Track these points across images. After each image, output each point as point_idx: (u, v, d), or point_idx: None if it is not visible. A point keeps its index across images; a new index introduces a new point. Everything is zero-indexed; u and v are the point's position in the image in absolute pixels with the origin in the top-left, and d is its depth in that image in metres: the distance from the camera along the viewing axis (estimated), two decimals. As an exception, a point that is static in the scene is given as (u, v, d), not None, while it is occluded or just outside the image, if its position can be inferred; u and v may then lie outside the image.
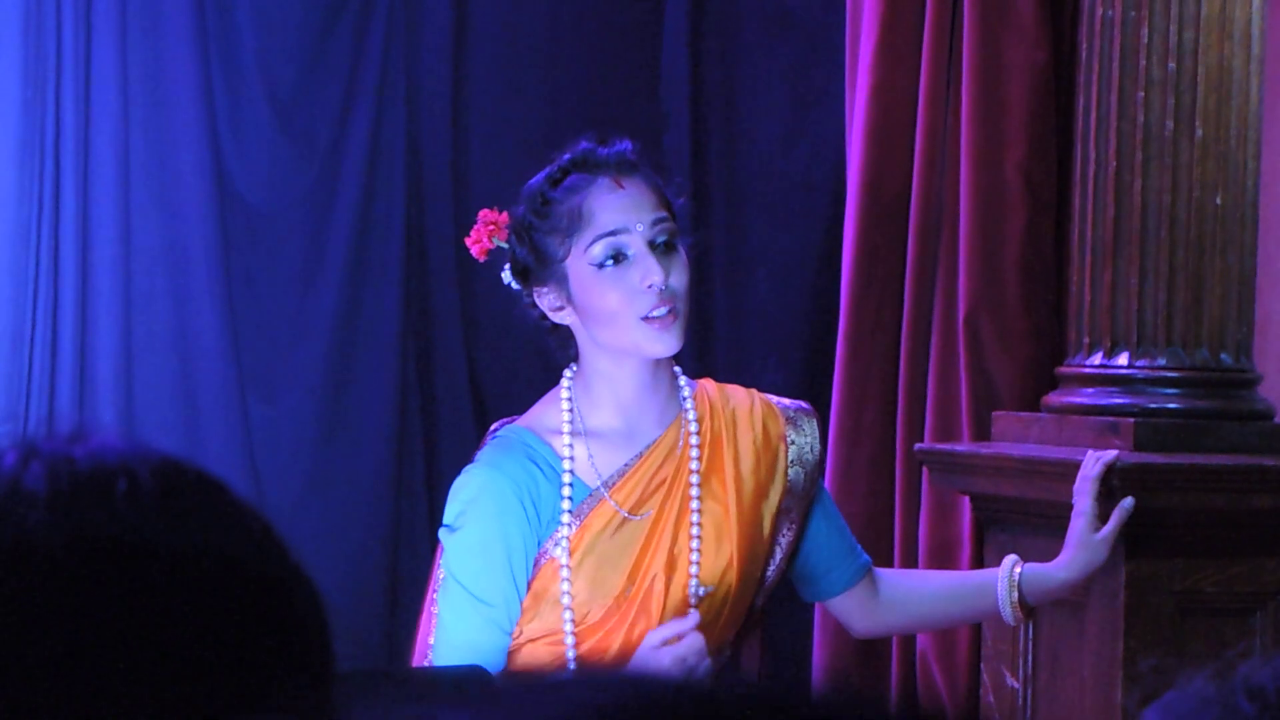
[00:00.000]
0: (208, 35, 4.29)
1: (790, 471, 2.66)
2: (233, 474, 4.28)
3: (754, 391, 2.70)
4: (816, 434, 2.69)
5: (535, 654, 2.60)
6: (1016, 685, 3.10)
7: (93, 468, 0.85)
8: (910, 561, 3.60)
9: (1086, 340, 3.12)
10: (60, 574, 0.81)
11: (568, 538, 2.56)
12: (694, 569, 2.58)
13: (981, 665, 3.23)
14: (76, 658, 0.80)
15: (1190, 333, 3.06)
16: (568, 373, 2.63)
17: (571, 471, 2.58)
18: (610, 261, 2.53)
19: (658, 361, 2.59)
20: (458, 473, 2.63)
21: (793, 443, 2.66)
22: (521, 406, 2.70)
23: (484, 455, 2.61)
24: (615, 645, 2.58)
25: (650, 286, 2.52)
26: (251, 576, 0.85)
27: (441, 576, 2.60)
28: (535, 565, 2.57)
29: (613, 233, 2.53)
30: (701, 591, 2.58)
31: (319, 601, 0.88)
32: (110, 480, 0.84)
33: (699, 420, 2.63)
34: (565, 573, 2.56)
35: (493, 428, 2.68)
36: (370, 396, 4.43)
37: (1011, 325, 3.52)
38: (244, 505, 0.88)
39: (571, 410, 2.60)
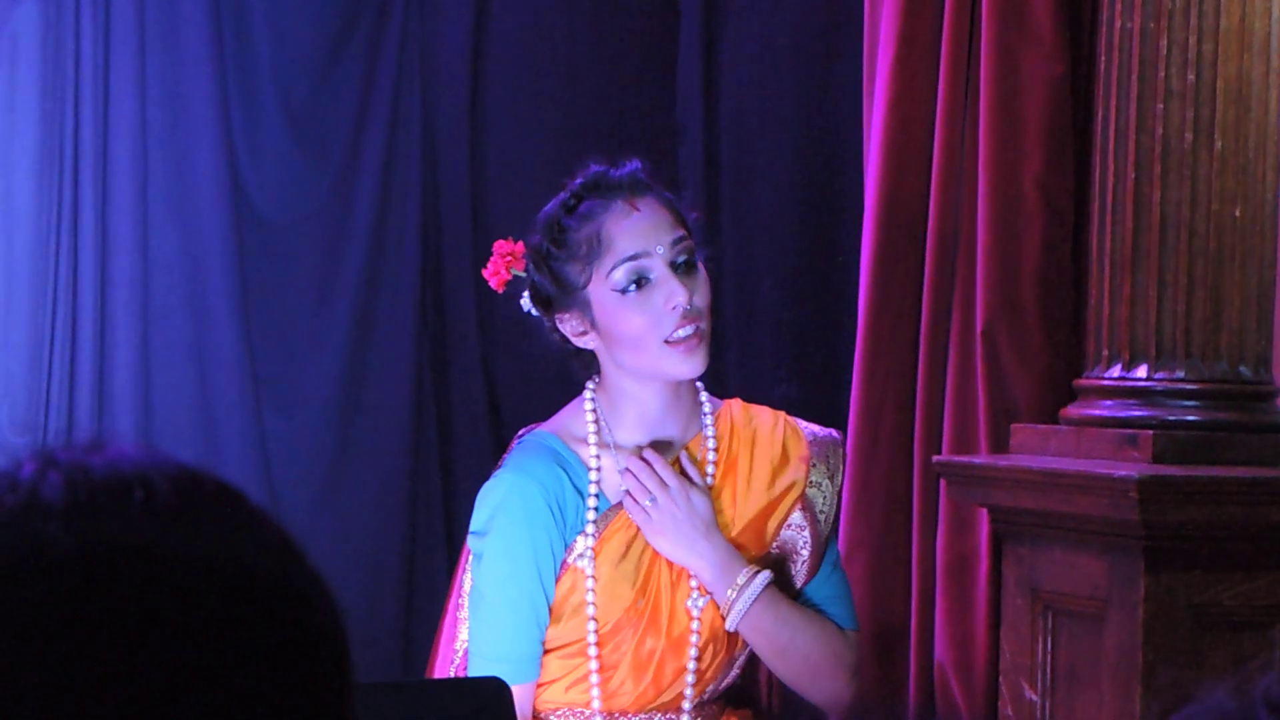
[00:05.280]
0: (224, 49, 4.30)
1: (809, 491, 2.67)
2: (248, 486, 4.25)
3: (782, 414, 2.71)
4: (841, 461, 2.70)
5: (548, 668, 2.60)
6: (1035, 698, 3.09)
7: (109, 477, 0.84)
8: (928, 574, 3.59)
9: (1105, 352, 3.11)
10: (77, 584, 0.81)
11: (592, 547, 2.57)
12: (694, 581, 2.59)
13: (1000, 678, 3.22)
14: (93, 668, 0.80)
15: (1209, 345, 3.05)
16: (590, 384, 2.64)
17: (599, 482, 2.59)
18: (633, 286, 2.54)
19: (685, 380, 2.60)
20: (473, 485, 2.64)
21: (815, 466, 2.67)
22: (539, 418, 2.70)
23: (511, 460, 2.62)
24: (627, 658, 2.59)
25: (675, 308, 2.52)
26: (269, 587, 0.85)
27: (470, 584, 2.61)
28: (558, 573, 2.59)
29: (634, 257, 2.54)
30: (702, 602, 2.59)
31: (338, 612, 0.87)
32: (127, 490, 0.84)
33: (717, 439, 2.64)
34: (590, 583, 2.57)
35: (520, 433, 2.69)
36: (385, 409, 4.43)
37: (1029, 337, 3.51)
38: (262, 515, 0.87)
39: (597, 422, 2.61)
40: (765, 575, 2.59)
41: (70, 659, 0.80)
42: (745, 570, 2.58)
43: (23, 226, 4.18)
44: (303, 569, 0.87)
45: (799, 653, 2.62)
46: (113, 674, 0.80)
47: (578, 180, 2.62)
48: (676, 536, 2.56)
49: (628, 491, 2.57)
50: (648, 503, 2.55)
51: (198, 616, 0.82)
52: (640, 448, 2.61)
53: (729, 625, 2.59)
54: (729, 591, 2.57)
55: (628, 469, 2.57)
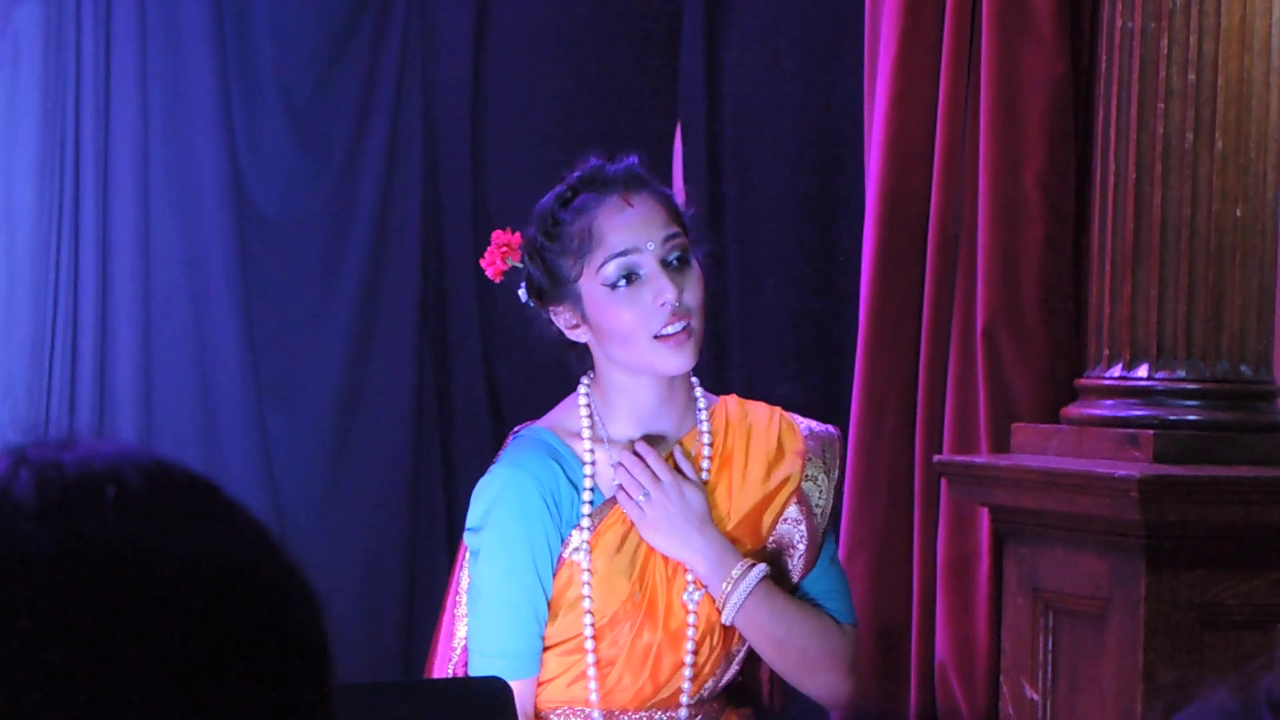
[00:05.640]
0: (225, 48, 4.30)
1: (804, 485, 2.67)
2: (250, 485, 4.29)
3: (778, 409, 2.71)
4: (838, 457, 2.70)
5: (547, 666, 2.60)
6: (1036, 698, 3.10)
7: (81, 474, 0.84)
8: (929, 573, 3.59)
9: (1106, 352, 3.11)
10: (52, 583, 0.81)
11: (588, 541, 2.58)
12: (690, 575, 2.60)
13: (1001, 677, 3.22)
14: (69, 667, 0.80)
15: (1210, 344, 3.05)
16: (585, 380, 2.64)
17: (593, 476, 2.59)
18: (623, 281, 2.55)
19: (675, 376, 2.60)
20: (475, 484, 2.64)
21: (810, 460, 2.67)
22: (540, 415, 2.70)
23: (506, 455, 2.62)
24: (624, 652, 2.59)
25: (663, 305, 2.53)
26: (246, 578, 0.84)
27: (467, 581, 2.61)
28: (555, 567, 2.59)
29: (624, 252, 2.55)
30: (698, 596, 2.60)
31: (315, 600, 0.87)
32: (99, 486, 0.84)
33: (712, 434, 2.64)
34: (586, 576, 2.57)
35: (514, 430, 2.70)
36: (387, 407, 4.43)
37: (1030, 337, 3.51)
38: (236, 506, 0.87)
39: (591, 416, 2.62)
40: (760, 569, 2.59)
41: (49, 657, 0.79)
42: (741, 564, 2.58)
43: (24, 226, 4.18)
44: (279, 559, 0.86)
45: (796, 647, 2.62)
46: (92, 670, 0.80)
47: (575, 174, 2.63)
48: (671, 531, 2.56)
49: (621, 486, 2.57)
50: (641, 498, 2.55)
51: (175, 610, 0.81)
52: (633, 442, 2.61)
53: (725, 619, 2.59)
54: (724, 585, 2.57)
55: (621, 464, 2.57)
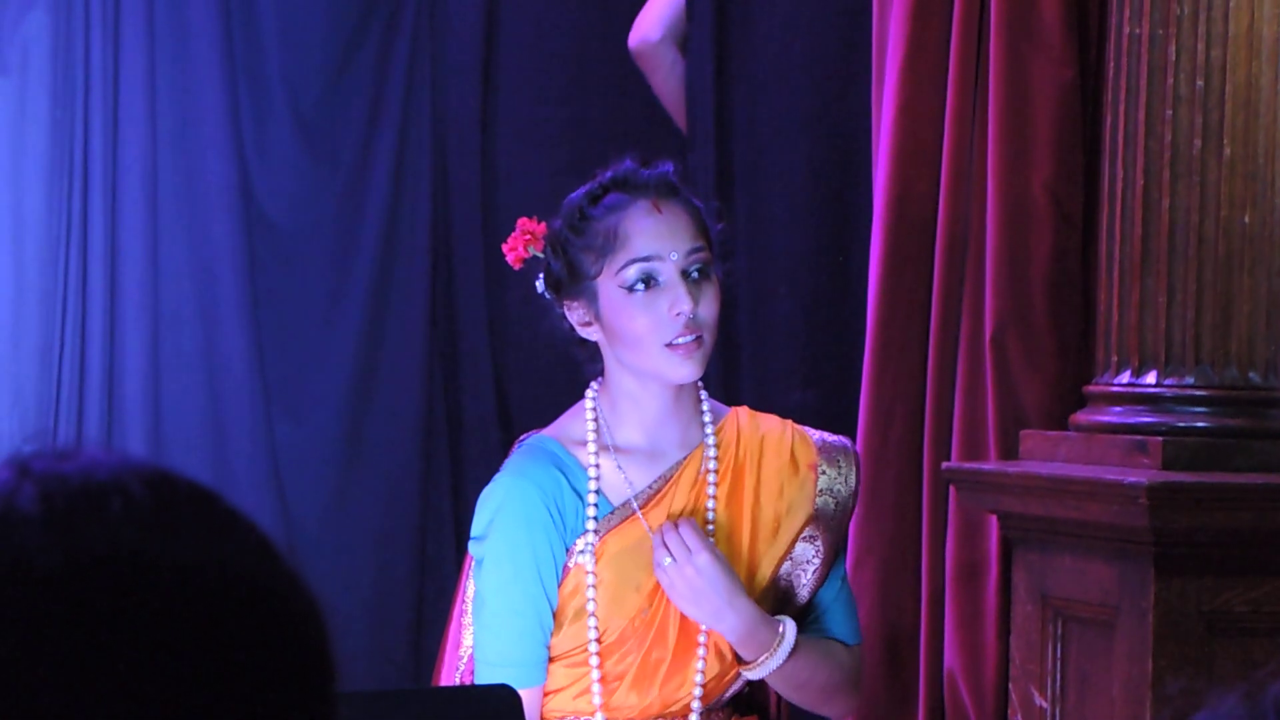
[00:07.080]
0: (234, 56, 4.31)
1: (819, 500, 2.66)
2: (258, 493, 4.30)
3: (789, 421, 2.70)
4: (853, 471, 2.68)
5: (554, 677, 2.60)
6: (1045, 705, 3.09)
7: (85, 485, 0.84)
8: (937, 580, 3.59)
9: (1114, 359, 3.11)
10: (60, 594, 0.81)
11: (593, 545, 2.57)
12: None
13: (1009, 685, 3.22)
14: (78, 679, 0.80)
15: (1218, 351, 3.04)
16: (594, 385, 2.64)
17: (598, 479, 2.59)
18: (641, 286, 2.54)
19: (682, 384, 2.60)
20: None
21: (824, 472, 2.66)
22: (548, 424, 2.71)
23: (510, 464, 2.62)
24: (633, 669, 2.58)
25: (678, 315, 2.52)
26: (250, 588, 0.85)
27: (473, 590, 2.61)
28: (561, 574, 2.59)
29: (646, 258, 2.54)
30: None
31: (318, 609, 0.87)
32: (104, 497, 0.84)
33: (720, 447, 2.63)
34: (590, 579, 2.56)
35: (520, 439, 2.69)
36: (396, 415, 4.44)
37: (1038, 344, 3.51)
38: (238, 515, 0.88)
39: (597, 423, 2.61)
40: (792, 633, 2.58)
41: (55, 670, 0.80)
42: (774, 633, 2.57)
43: (33, 234, 4.19)
44: (282, 568, 0.87)
45: (815, 686, 2.63)
46: (100, 682, 0.80)
47: (608, 173, 2.63)
48: (699, 601, 2.54)
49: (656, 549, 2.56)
50: (667, 562, 2.54)
51: (182, 621, 0.82)
52: (678, 521, 2.58)
53: (752, 676, 2.59)
54: (762, 655, 2.57)
55: (660, 531, 2.56)
